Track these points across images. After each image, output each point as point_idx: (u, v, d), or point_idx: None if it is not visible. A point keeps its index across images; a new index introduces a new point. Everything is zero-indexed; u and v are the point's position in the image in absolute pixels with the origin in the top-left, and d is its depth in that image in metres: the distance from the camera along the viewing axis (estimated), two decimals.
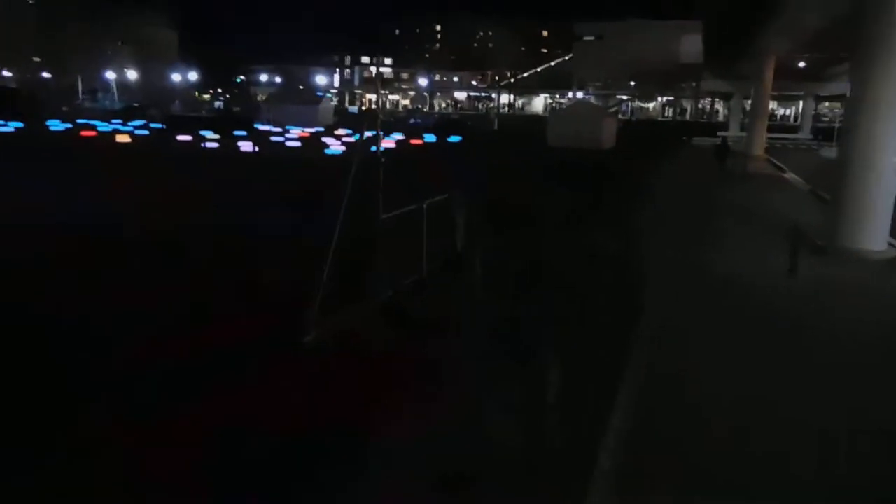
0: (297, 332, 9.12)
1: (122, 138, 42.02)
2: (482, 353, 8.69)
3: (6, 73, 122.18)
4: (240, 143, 39.27)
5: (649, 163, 35.87)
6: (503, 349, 8.72)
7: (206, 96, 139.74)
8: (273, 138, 46.21)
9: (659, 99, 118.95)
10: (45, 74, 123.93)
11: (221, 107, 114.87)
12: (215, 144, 39.31)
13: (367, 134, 12.53)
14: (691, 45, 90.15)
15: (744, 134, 62.78)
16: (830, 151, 51.42)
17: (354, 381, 8.26)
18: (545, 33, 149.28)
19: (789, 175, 36.80)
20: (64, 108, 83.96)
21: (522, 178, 26.35)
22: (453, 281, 11.80)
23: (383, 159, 9.73)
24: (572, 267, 12.39)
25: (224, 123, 54.55)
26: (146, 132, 49.16)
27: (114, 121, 61.33)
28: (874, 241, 16.00)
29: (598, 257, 12.95)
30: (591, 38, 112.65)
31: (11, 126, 47.92)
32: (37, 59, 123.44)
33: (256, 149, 38.41)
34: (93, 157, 33.17)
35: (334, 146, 40.63)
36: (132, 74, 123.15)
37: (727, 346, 10.14)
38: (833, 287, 13.51)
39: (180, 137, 42.90)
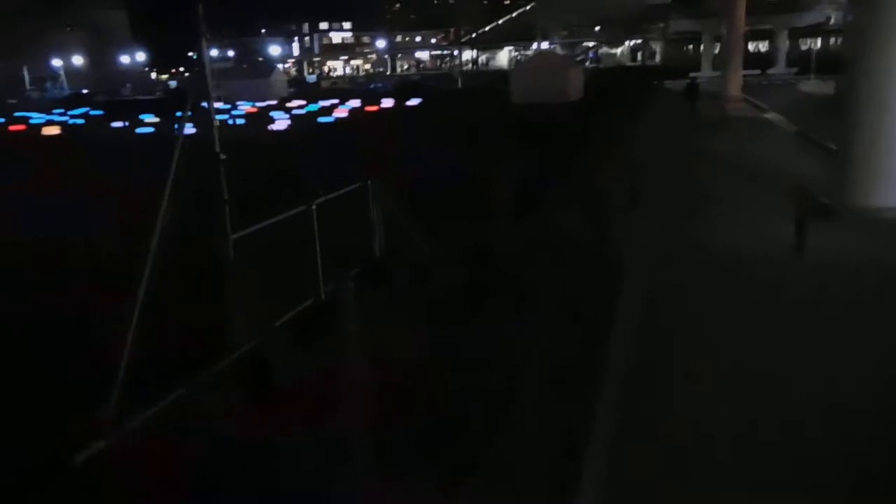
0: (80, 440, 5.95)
1: (51, 130, 38.64)
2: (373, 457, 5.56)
3: None
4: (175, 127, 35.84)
5: (621, 113, 33.04)
6: (411, 448, 5.69)
7: (165, 77, 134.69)
8: (218, 116, 42.76)
9: (627, 44, 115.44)
10: None
11: (176, 86, 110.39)
12: (150, 129, 36.02)
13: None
14: None
15: (717, 74, 60.17)
16: (810, 85, 48.94)
17: None
18: None
19: (771, 115, 34.18)
20: (10, 101, 79.93)
21: (477, 144, 23.45)
22: (366, 302, 8.64)
23: (223, 156, 6.67)
24: (533, 267, 9.54)
25: (171, 105, 51.12)
26: (81, 121, 45.69)
27: (56, 110, 57.72)
28: (891, 196, 13.38)
29: (566, 248, 10.16)
30: None
31: None
32: None
33: (194, 130, 35.05)
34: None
35: (280, 121, 37.49)
36: (82, 60, 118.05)
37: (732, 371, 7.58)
38: (851, 265, 10.92)
39: (115, 124, 39.61)
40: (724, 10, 48.80)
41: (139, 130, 36.25)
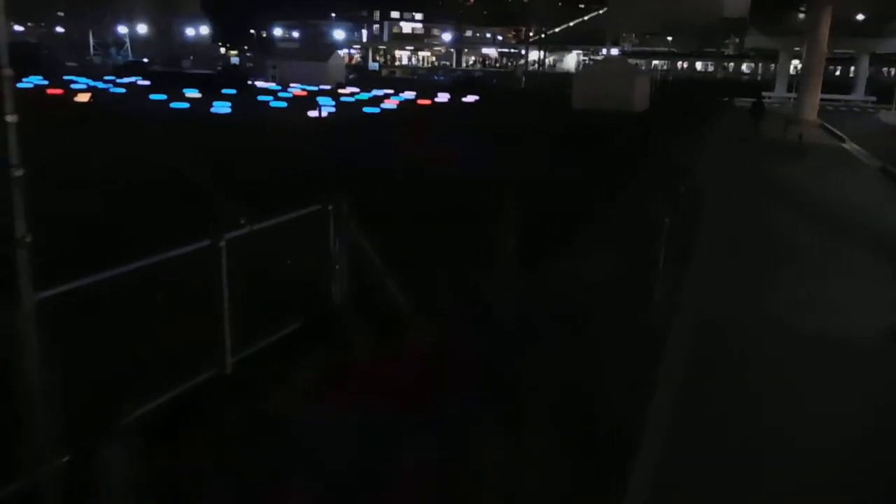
0: None
1: (82, 97, 37.64)
2: None
3: (18, 28, 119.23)
4: (214, 104, 34.57)
5: (685, 129, 30.44)
6: None
7: (234, 52, 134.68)
8: (261, 97, 41.49)
9: (699, 57, 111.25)
10: (59, 29, 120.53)
11: (237, 63, 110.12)
12: (185, 105, 34.68)
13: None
14: None
15: (792, 95, 56.83)
16: (892, 116, 45.41)
17: None
18: None
19: (850, 146, 31.21)
20: (70, 64, 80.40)
21: (517, 154, 21.30)
22: (291, 373, 6.21)
23: (18, 172, 4.04)
24: (534, 352, 7.05)
25: (218, 81, 50.08)
26: (123, 90, 44.78)
27: (106, 77, 57.19)
28: None
29: (581, 324, 7.65)
30: None
31: (27, 82, 44.58)
32: (60, 14, 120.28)
33: (228, 111, 33.74)
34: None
35: (323, 108, 35.76)
36: (148, 28, 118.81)
37: None
38: None
39: (154, 96, 38.45)
40: (805, 29, 45.69)
41: (173, 105, 34.96)
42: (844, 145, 31.61)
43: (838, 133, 35.58)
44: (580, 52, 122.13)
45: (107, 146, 20.93)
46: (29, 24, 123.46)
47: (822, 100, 46.02)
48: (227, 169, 16.97)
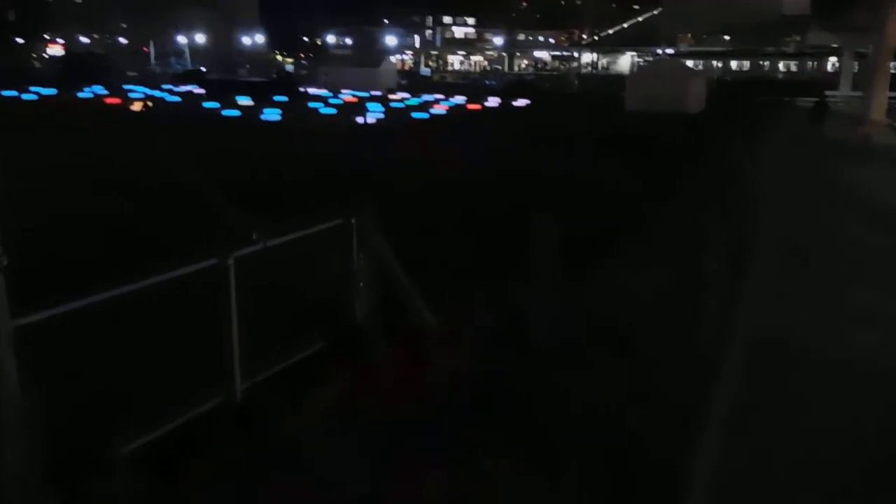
0: None
1: (136, 106, 38.41)
2: None
3: (84, 39, 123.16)
4: (264, 111, 34.84)
5: (743, 132, 29.30)
6: None
7: (289, 60, 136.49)
8: (312, 104, 41.67)
9: (758, 56, 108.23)
10: (122, 40, 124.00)
11: (291, 70, 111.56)
12: (236, 112, 35.00)
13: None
14: None
15: (857, 94, 54.73)
16: None
17: None
18: None
19: None
20: (131, 74, 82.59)
21: (562, 161, 20.70)
22: (317, 397, 5.90)
23: None
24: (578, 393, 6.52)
25: (271, 88, 50.60)
26: (178, 99, 45.56)
27: (164, 86, 58.47)
28: None
29: (632, 343, 7.16)
30: None
31: (88, 91, 47.04)
32: (124, 25, 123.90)
33: (278, 118, 33.92)
34: (64, 124, 29.53)
35: (371, 114, 35.72)
36: (208, 38, 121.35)
37: None
38: None
39: (207, 104, 39.00)
40: (871, 25, 43.71)
41: (225, 112, 35.33)
42: None
43: None
44: (634, 53, 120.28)
45: (142, 151, 21.22)
46: (95, 35, 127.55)
47: (890, 98, 44.04)
48: (252, 175, 16.99)
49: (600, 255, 10.13)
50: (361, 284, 6.83)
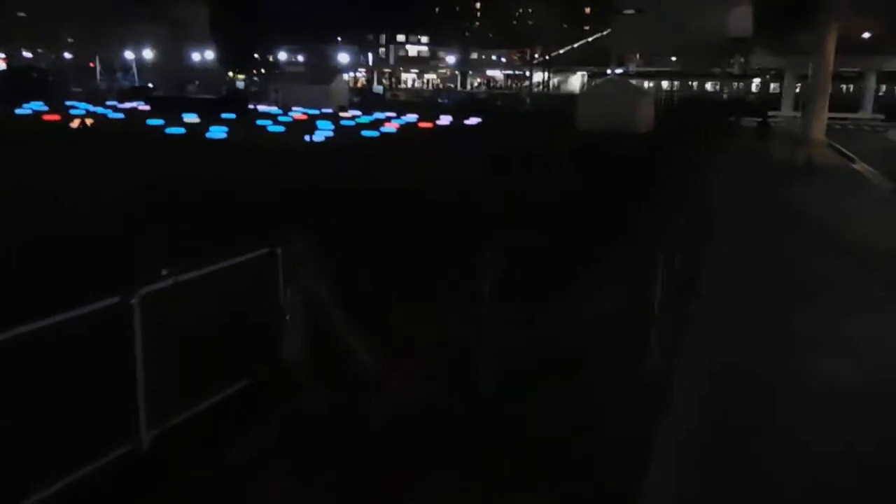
0: None
1: (75, 123, 37.28)
2: None
3: (26, 54, 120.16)
4: (210, 129, 34.09)
5: (691, 151, 29.59)
6: None
7: (241, 77, 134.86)
8: (260, 121, 41.00)
9: (702, 77, 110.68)
10: (67, 55, 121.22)
11: (242, 87, 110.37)
12: (181, 130, 34.16)
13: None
14: (740, 18, 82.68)
15: (797, 115, 56.22)
16: None
17: None
18: (588, 10, 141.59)
19: (861, 166, 30.34)
20: (75, 90, 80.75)
21: (511, 176, 20.60)
22: (226, 445, 5.42)
23: None
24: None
25: (219, 105, 49.68)
26: (121, 115, 44.43)
27: (108, 103, 57.18)
28: None
29: (584, 369, 6.88)
30: (632, 11, 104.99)
31: (27, 107, 45.96)
32: (70, 40, 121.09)
33: (224, 136, 33.21)
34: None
35: (321, 132, 35.24)
36: (154, 54, 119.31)
37: None
38: None
39: (151, 121, 38.04)
40: (811, 48, 44.87)
41: (168, 130, 34.46)
42: (855, 166, 30.75)
43: (848, 153, 34.72)
44: (585, 73, 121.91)
45: (67, 170, 20.47)
46: (39, 50, 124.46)
47: (829, 118, 45.22)
48: (176, 196, 16.53)
49: (548, 279, 9.86)
50: (288, 318, 6.39)
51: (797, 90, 69.50)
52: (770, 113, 58.98)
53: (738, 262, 12.90)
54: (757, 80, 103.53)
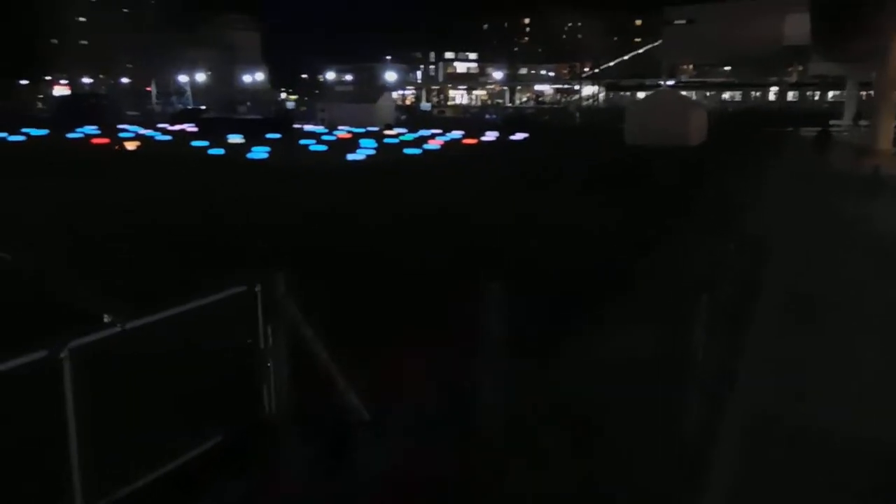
0: None
1: (130, 145, 37.54)
2: None
3: (87, 80, 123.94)
4: (253, 149, 33.96)
5: (746, 165, 28.15)
6: None
7: (292, 97, 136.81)
8: (304, 141, 40.80)
9: (759, 87, 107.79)
10: (125, 80, 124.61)
11: (292, 107, 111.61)
12: (221, 151, 34.08)
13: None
14: (796, 25, 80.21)
15: (862, 123, 53.89)
16: None
17: None
18: (638, 22, 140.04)
19: None
20: (131, 113, 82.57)
21: (547, 195, 19.67)
22: None
23: None
24: None
25: (265, 125, 49.83)
26: (168, 138, 44.80)
27: (160, 125, 58.08)
28: None
29: (602, 433, 5.85)
30: (682, 21, 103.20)
31: (80, 132, 46.55)
32: (129, 65, 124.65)
33: (265, 156, 32.97)
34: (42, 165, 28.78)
35: (363, 150, 34.77)
36: (210, 77, 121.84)
37: None
38: None
39: (196, 143, 38.15)
40: (874, 54, 42.83)
41: (211, 151, 34.42)
42: None
43: None
44: (636, 85, 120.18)
45: (86, 194, 20.30)
46: (101, 76, 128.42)
47: None
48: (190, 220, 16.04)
49: (576, 318, 8.87)
50: (270, 364, 5.60)
51: (861, 97, 66.91)
52: (831, 122, 56.67)
53: (797, 295, 11.52)
54: (813, 90, 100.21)
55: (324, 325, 5.76)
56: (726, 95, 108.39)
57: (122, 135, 44.11)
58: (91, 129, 48.74)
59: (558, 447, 5.68)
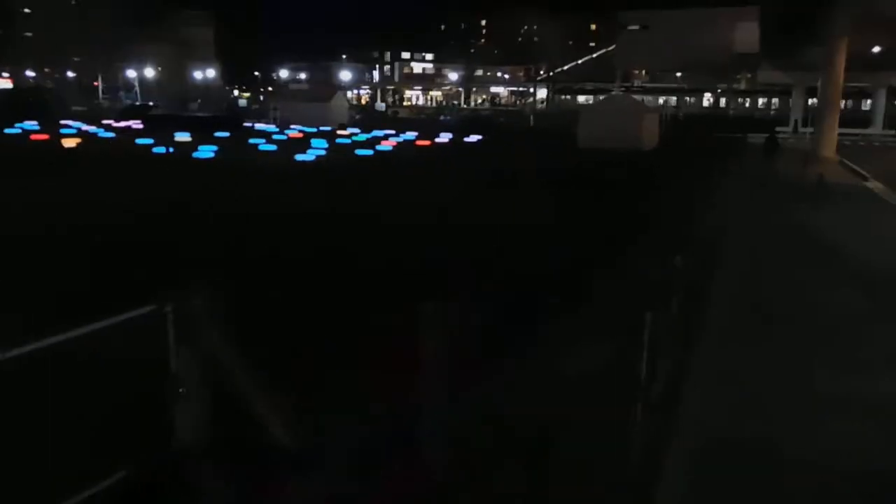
0: None
1: (69, 142, 36.18)
2: None
3: (31, 74, 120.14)
4: (199, 148, 33.04)
5: (697, 169, 28.28)
6: None
7: (245, 94, 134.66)
8: (253, 140, 39.95)
9: (709, 93, 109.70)
10: (71, 74, 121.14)
11: (244, 105, 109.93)
12: (165, 149, 33.06)
13: None
14: (747, 34, 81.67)
15: (807, 130, 55.10)
16: None
17: None
18: (593, 27, 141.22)
19: (874, 185, 28.96)
20: (76, 109, 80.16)
21: (497, 198, 19.43)
22: None
23: None
24: None
25: (214, 124, 48.73)
26: (111, 135, 43.49)
27: (105, 121, 56.37)
28: None
29: (551, 449, 5.53)
30: (636, 27, 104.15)
31: (19, 127, 44.43)
32: (76, 59, 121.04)
33: (212, 155, 32.11)
34: None
35: (313, 150, 34.14)
36: (156, 72, 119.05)
37: None
38: None
39: (141, 141, 37.01)
40: (821, 63, 43.73)
41: (155, 150, 33.40)
42: (868, 184, 29.37)
43: (860, 171, 33.35)
44: (590, 89, 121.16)
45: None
46: (45, 69, 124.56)
47: (839, 134, 43.96)
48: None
49: (518, 334, 8.55)
50: (182, 391, 5.13)
51: (808, 104, 68.39)
52: (778, 129, 57.81)
53: (746, 304, 11.47)
54: (763, 97, 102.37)
55: (246, 343, 5.32)
56: (676, 101, 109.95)
57: (63, 131, 42.57)
58: (31, 124, 47.00)
59: (506, 476, 5.36)
